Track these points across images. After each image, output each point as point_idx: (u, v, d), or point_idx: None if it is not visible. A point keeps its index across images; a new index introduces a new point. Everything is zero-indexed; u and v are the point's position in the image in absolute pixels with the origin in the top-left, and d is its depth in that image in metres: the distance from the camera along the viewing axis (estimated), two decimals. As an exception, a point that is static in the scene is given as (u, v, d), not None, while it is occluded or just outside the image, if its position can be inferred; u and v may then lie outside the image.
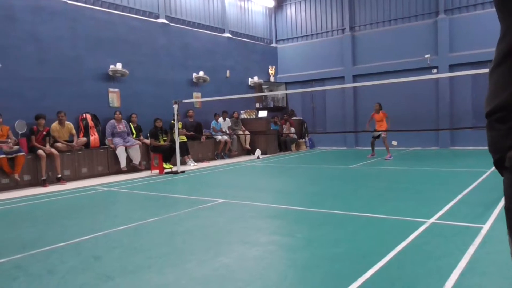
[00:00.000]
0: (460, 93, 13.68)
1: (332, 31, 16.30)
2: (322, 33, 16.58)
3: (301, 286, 2.93)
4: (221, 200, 6.13)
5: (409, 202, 5.57)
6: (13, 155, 8.11)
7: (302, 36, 17.09)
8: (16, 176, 8.15)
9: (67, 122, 9.41)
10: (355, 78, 15.42)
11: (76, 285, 3.07)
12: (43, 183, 8.43)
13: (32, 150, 8.62)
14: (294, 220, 4.96)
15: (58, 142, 9.13)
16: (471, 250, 3.45)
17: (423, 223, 4.38)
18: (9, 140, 8.26)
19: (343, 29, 15.95)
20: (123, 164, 9.99)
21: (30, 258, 3.79)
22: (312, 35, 16.83)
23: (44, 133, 8.83)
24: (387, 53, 14.74)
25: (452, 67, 13.39)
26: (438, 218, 4.58)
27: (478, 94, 13.29)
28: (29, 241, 4.33)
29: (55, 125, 9.23)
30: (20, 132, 8.74)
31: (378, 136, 11.42)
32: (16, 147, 8.25)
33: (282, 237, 4.24)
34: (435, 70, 13.76)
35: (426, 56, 13.88)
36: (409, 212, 4.94)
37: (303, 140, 15.97)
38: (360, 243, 3.86)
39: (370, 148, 11.91)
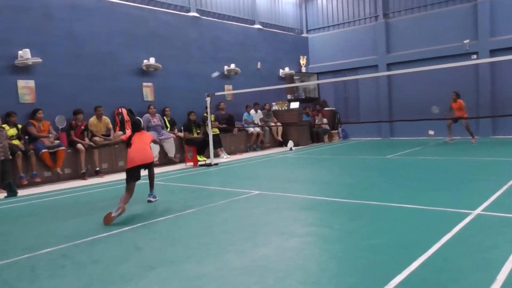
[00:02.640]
0: (502, 80, 13.06)
1: (365, 18, 15.90)
2: (354, 21, 16.21)
3: (343, 278, 2.87)
4: (256, 192, 6.12)
5: (451, 193, 5.38)
6: (55, 150, 8.40)
7: (333, 25, 16.77)
8: (58, 169, 8.45)
9: (104, 117, 9.66)
10: (389, 66, 15.01)
11: (119, 274, 3.14)
12: (83, 176, 8.70)
13: (71, 144, 8.91)
14: (331, 211, 4.88)
15: (95, 136, 9.38)
16: (522, 242, 3.28)
17: (467, 214, 4.21)
18: (50, 135, 8.56)
19: (376, 16, 15.52)
20: (156, 157, 10.15)
21: (75, 247, 3.91)
22: (344, 23, 16.48)
23: (82, 127, 9.10)
24: (423, 39, 14.24)
25: (493, 52, 12.79)
26: (484, 210, 4.39)
27: (522, 79, 12.67)
28: (74, 232, 4.48)
29: (92, 119, 9.49)
30: (60, 127, 9.04)
31: (456, 120, 11.65)
32: (57, 142, 8.55)
33: (320, 228, 4.19)
34: (474, 56, 13.18)
35: (465, 41, 13.31)
36: (451, 203, 4.76)
37: (336, 131, 15.74)
38: (402, 234, 3.75)
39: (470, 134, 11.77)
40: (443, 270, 2.85)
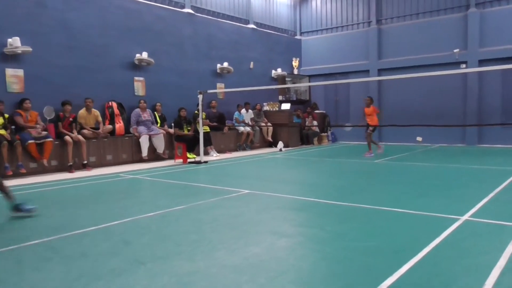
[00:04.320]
0: (489, 89, 13.29)
1: (358, 23, 16.01)
2: (347, 25, 16.31)
3: (334, 279, 2.87)
4: (246, 191, 6.10)
5: (440, 199, 5.44)
6: (41, 141, 8.25)
7: (327, 29, 16.84)
8: (44, 161, 8.31)
9: (93, 110, 9.54)
10: (380, 72, 15.14)
11: (108, 269, 3.09)
12: (69, 169, 8.57)
13: (59, 136, 8.76)
14: (321, 212, 4.90)
15: (84, 128, 9.26)
16: (509, 249, 3.33)
17: (456, 220, 4.26)
18: (37, 126, 8.41)
19: (369, 22, 15.65)
20: (144, 153, 10.07)
21: (62, 240, 3.84)
22: (337, 27, 16.57)
23: (71, 119, 8.96)
24: (414, 47, 14.41)
25: (482, 63, 13.00)
26: (472, 216, 4.45)
27: (509, 90, 12.90)
28: (60, 224, 4.40)
29: (82, 111, 9.36)
30: (48, 118, 8.89)
31: (374, 128, 10.55)
32: (44, 133, 8.40)
33: (310, 229, 4.19)
34: (463, 65, 13.39)
35: (454, 50, 13.51)
36: (440, 208, 4.81)
37: (325, 134, 15.81)
38: (392, 238, 3.77)
39: (368, 144, 10.80)
40: (433, 274, 2.87)
